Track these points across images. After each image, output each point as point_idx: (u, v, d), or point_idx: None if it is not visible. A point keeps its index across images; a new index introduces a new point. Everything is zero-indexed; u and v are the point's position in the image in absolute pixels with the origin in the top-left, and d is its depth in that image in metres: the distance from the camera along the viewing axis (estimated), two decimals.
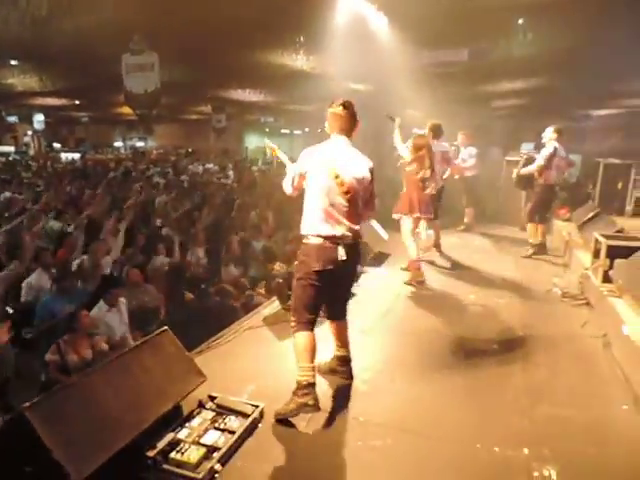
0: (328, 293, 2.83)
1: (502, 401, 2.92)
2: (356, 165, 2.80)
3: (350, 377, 3.12)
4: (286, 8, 9.64)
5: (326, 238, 2.71)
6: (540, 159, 5.92)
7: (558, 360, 3.45)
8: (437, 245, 6.39)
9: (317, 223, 2.73)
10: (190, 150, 26.43)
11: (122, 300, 4.57)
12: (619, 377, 3.18)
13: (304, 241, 2.78)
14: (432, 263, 5.86)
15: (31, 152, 23.96)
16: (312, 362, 2.70)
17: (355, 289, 4.86)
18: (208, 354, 3.52)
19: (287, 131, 30.05)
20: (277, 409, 2.67)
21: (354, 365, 3.24)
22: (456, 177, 7.57)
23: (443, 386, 3.08)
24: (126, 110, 25.22)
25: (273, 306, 4.37)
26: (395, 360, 3.45)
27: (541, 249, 6.17)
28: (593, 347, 3.64)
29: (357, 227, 2.82)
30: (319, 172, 2.73)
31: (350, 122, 2.84)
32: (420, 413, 2.79)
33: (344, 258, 2.72)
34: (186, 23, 10.31)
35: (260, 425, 2.62)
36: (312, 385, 2.67)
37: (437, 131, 6.00)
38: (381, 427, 2.63)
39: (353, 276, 3.07)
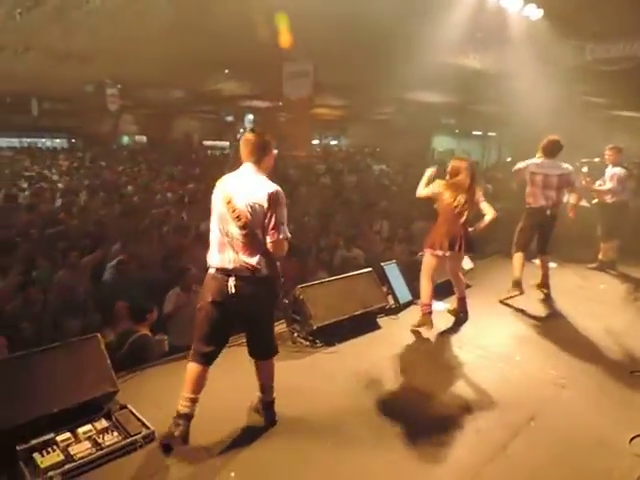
0: (228, 328, 2.75)
1: None
2: (252, 192, 2.57)
3: (271, 422, 2.89)
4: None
5: (218, 270, 2.65)
6: None
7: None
8: (544, 285, 5.29)
9: (213, 253, 2.69)
10: (378, 150, 27.16)
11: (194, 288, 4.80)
12: None
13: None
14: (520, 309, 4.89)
15: None
16: (193, 394, 2.65)
17: (384, 321, 4.46)
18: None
19: (479, 133, 28.21)
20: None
21: (301, 408, 3.04)
22: (594, 202, 6.16)
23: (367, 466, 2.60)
24: (321, 111, 27.29)
25: (281, 326, 4.27)
26: (345, 417, 3.01)
27: None
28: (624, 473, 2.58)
29: (253, 260, 2.58)
30: (218, 199, 2.66)
31: (258, 150, 2.67)
32: None
33: (232, 291, 2.57)
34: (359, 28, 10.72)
35: (142, 448, 2.64)
36: (185, 416, 2.63)
37: (549, 149, 4.93)
38: None
39: (261, 314, 2.77)
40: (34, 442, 2.51)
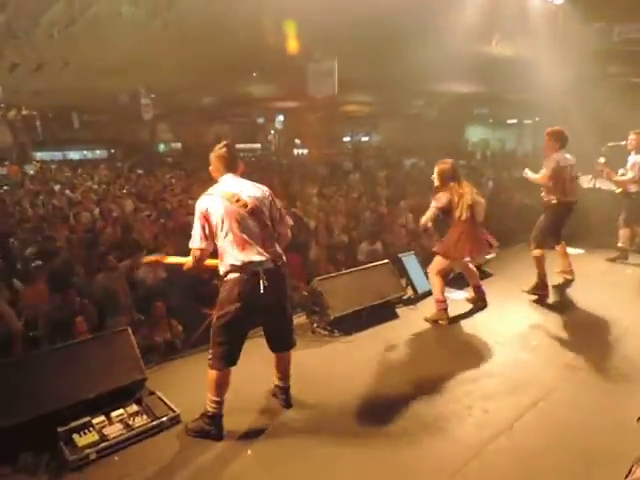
0: (249, 328, 2.87)
1: None
2: (251, 188, 2.80)
3: (287, 406, 3.07)
4: None
5: (243, 268, 2.67)
6: None
7: None
8: (567, 271, 5.23)
9: (233, 254, 2.69)
10: (409, 144, 27.00)
11: None
12: None
13: (224, 279, 2.75)
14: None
15: (272, 148, 28.21)
16: (221, 397, 2.78)
17: (403, 311, 4.56)
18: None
19: (514, 121, 27.51)
20: (187, 422, 2.89)
21: (316, 394, 3.21)
22: (617, 191, 6.00)
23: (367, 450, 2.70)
24: (351, 108, 27.29)
25: (301, 317, 4.43)
26: (358, 400, 3.15)
27: None
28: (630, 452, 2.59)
29: (274, 249, 2.78)
30: (219, 205, 2.69)
31: (234, 162, 2.88)
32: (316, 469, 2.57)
33: (266, 284, 2.66)
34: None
35: (168, 429, 2.88)
36: (217, 417, 2.79)
37: (565, 139, 4.80)
38: (264, 468, 2.58)
39: (283, 303, 2.89)
40: (73, 424, 2.79)
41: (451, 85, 19.28)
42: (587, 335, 3.96)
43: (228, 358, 2.75)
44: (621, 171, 5.85)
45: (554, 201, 4.77)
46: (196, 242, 2.75)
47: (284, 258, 2.84)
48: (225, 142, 2.91)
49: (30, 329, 4.39)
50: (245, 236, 2.70)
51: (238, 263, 2.68)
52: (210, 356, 2.79)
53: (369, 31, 11.41)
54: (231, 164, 2.87)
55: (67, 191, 12.03)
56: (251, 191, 2.78)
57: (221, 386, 2.78)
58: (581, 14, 7.33)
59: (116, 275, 5.50)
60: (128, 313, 5.12)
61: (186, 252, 2.90)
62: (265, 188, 2.86)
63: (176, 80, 16.77)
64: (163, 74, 15.87)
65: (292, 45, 11.93)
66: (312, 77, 11.64)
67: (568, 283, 5.13)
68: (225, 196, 2.73)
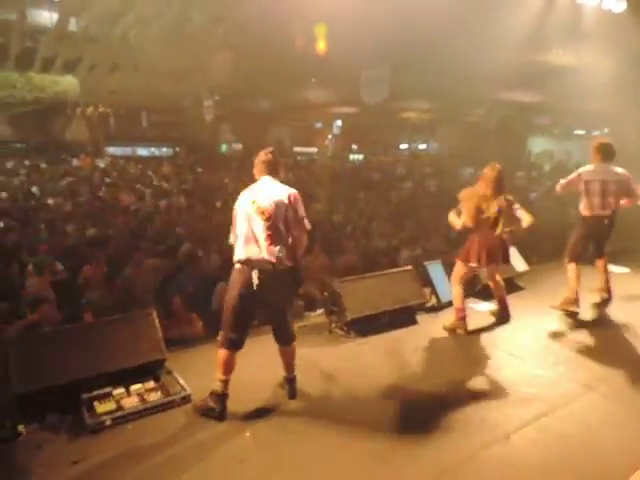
0: (251, 316, 3.11)
1: None
2: (274, 192, 3.01)
3: (291, 397, 3.23)
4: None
5: (244, 262, 2.98)
6: None
7: None
8: (605, 289, 5.03)
9: (238, 249, 3.02)
10: (467, 153, 26.38)
11: None
12: None
13: (234, 267, 3.06)
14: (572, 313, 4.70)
15: (329, 153, 28.49)
16: (225, 375, 3.01)
17: (423, 318, 4.58)
18: None
19: (582, 132, 26.22)
20: (196, 400, 3.12)
21: (320, 389, 3.37)
22: None
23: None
24: (409, 115, 27.08)
25: (321, 317, 4.57)
26: (359, 400, 3.26)
27: None
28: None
29: (276, 251, 2.95)
30: (244, 204, 3.02)
31: (276, 167, 3.16)
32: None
33: (256, 282, 2.92)
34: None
35: (179, 407, 3.11)
36: (222, 396, 3.01)
37: (608, 153, 4.66)
38: (259, 449, 2.74)
39: (281, 304, 3.13)
40: (95, 393, 3.09)
41: (511, 93, 18.80)
42: (609, 357, 3.80)
43: (232, 341, 3.00)
44: None
45: (583, 215, 4.72)
46: (231, 237, 3.14)
47: (287, 263, 2.99)
48: (271, 149, 3.20)
49: None
50: (251, 235, 2.96)
51: (240, 257, 2.99)
52: (220, 338, 3.06)
53: (428, 39, 11.44)
54: (272, 169, 3.14)
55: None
56: (269, 197, 2.98)
57: (225, 365, 3.01)
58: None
59: (142, 271, 5.78)
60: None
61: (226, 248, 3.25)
62: (291, 191, 3.05)
63: (238, 84, 17.47)
64: (226, 78, 16.59)
65: (349, 52, 12.17)
66: (365, 82, 11.79)
67: (604, 302, 4.94)
68: (249, 199, 3.00)
